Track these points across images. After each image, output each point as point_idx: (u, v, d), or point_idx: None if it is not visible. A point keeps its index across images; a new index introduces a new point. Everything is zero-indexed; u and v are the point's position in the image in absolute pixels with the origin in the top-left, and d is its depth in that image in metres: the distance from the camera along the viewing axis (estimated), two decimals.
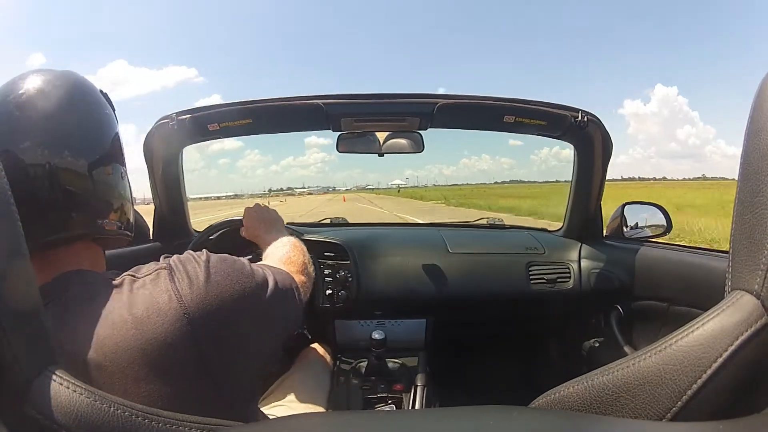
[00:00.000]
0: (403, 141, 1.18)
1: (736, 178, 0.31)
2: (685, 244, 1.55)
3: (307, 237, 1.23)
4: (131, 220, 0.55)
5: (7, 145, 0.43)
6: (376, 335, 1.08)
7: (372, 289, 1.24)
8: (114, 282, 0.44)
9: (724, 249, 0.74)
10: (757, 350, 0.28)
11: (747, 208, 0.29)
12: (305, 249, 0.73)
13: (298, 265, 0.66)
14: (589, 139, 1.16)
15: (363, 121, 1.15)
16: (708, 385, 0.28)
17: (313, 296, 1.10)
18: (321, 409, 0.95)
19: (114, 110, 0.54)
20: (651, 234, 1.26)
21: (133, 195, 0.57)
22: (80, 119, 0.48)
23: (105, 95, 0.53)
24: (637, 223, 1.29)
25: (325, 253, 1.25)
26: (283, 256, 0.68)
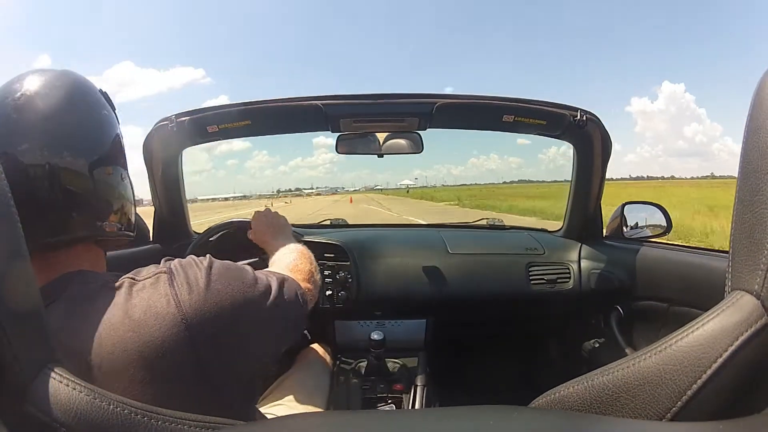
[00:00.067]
0: (402, 141, 1.18)
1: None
2: (685, 244, 1.55)
3: (307, 238, 1.23)
4: (132, 220, 0.55)
5: (7, 147, 0.43)
6: (375, 336, 1.08)
7: (372, 289, 1.24)
8: (114, 284, 0.44)
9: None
10: (757, 350, 0.28)
11: (747, 207, 0.29)
12: (312, 257, 0.74)
13: (304, 273, 0.66)
14: (589, 139, 1.16)
15: (362, 121, 1.15)
16: (708, 386, 0.28)
17: None
18: (321, 409, 0.95)
19: (114, 110, 0.54)
20: (651, 234, 1.26)
21: (136, 197, 0.57)
22: (80, 119, 0.48)
23: (105, 95, 0.53)
24: (637, 223, 1.29)
25: (325, 254, 1.25)
26: (290, 263, 0.68)
